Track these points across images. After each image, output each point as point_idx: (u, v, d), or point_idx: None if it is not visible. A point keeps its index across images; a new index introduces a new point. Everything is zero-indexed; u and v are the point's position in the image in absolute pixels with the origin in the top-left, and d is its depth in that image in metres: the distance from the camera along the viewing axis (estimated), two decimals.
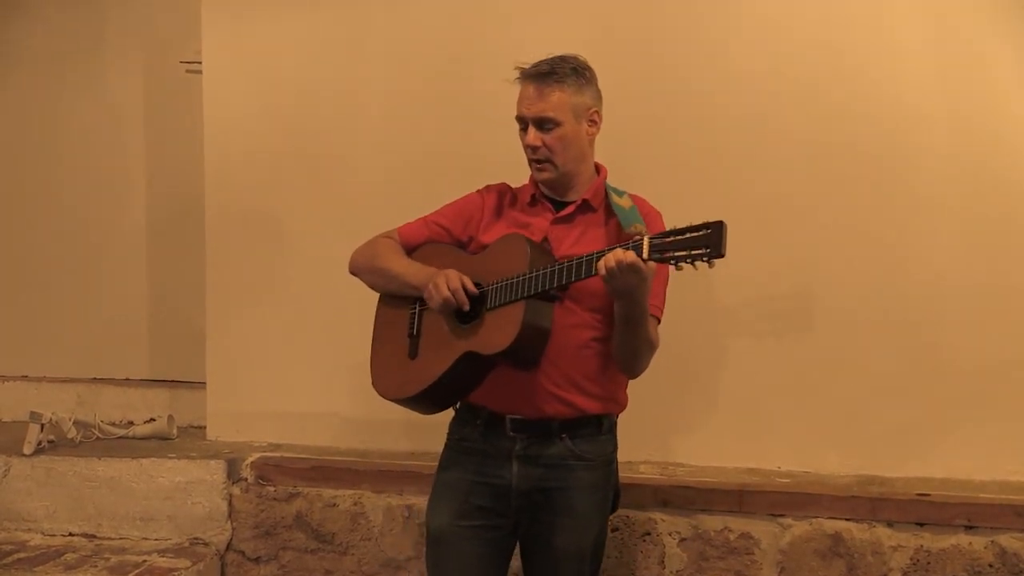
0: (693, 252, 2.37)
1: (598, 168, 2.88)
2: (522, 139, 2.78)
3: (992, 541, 3.29)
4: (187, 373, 4.61)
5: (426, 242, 2.94)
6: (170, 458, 4.04)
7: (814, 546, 3.43)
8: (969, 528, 3.31)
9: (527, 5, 3.88)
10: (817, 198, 3.66)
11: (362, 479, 3.86)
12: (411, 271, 2.86)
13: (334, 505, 3.88)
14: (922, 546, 3.35)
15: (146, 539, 3.98)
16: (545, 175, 2.79)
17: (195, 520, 3.98)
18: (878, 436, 3.63)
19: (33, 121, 5.05)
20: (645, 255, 2.43)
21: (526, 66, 2.76)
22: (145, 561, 3.78)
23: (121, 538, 3.99)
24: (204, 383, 4.33)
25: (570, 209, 2.81)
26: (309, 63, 4.15)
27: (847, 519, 3.40)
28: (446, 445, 2.93)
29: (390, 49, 4.03)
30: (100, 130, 4.94)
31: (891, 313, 3.61)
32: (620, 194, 2.81)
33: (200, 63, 4.31)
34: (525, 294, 2.61)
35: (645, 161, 3.73)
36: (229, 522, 3.96)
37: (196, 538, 3.96)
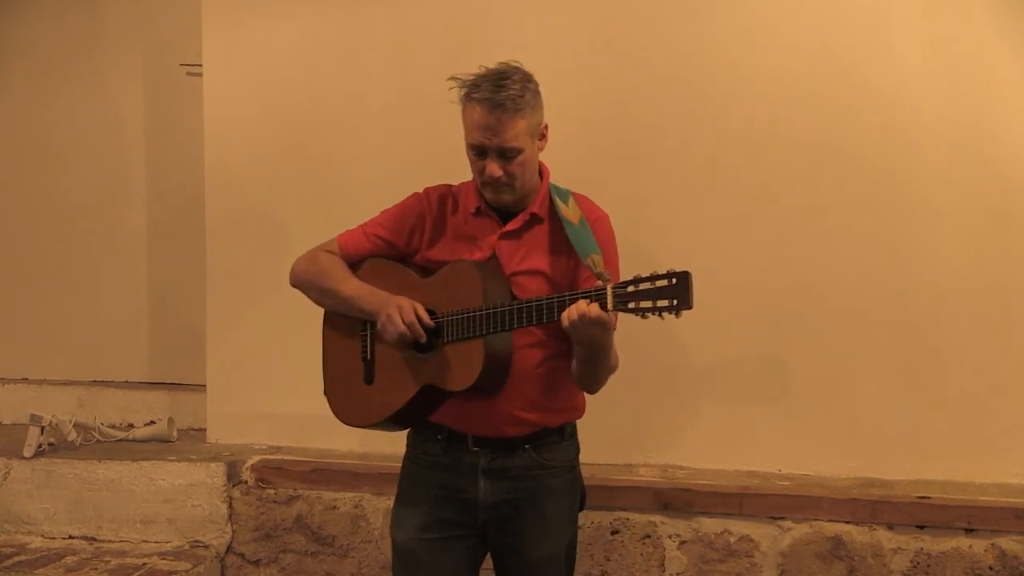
0: (658, 303, 2.30)
1: (541, 171, 2.79)
2: (475, 164, 2.67)
3: (992, 543, 3.30)
4: (187, 376, 4.62)
5: (368, 256, 2.84)
6: (170, 461, 4.04)
7: (814, 549, 3.44)
8: (969, 531, 3.32)
9: (527, 7, 3.87)
10: (817, 200, 3.66)
11: (362, 481, 3.87)
12: (362, 295, 2.76)
13: (334, 508, 3.89)
14: (922, 548, 3.35)
15: (146, 542, 3.98)
16: (505, 199, 2.70)
17: (195, 523, 3.98)
18: (878, 439, 3.63)
19: (34, 123, 5.05)
20: (609, 306, 2.37)
21: (468, 79, 2.63)
22: (145, 564, 3.78)
23: (121, 541, 4.00)
24: (204, 386, 4.33)
25: (517, 223, 2.72)
26: (310, 65, 4.14)
27: (847, 522, 3.41)
28: (407, 456, 2.87)
29: (391, 50, 4.03)
30: (100, 132, 4.94)
31: (891, 315, 3.61)
32: (564, 197, 2.74)
33: (200, 65, 4.30)
34: (483, 332, 2.56)
35: (645, 165, 3.76)
36: (229, 525, 3.97)
37: (196, 541, 3.96)
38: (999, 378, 3.52)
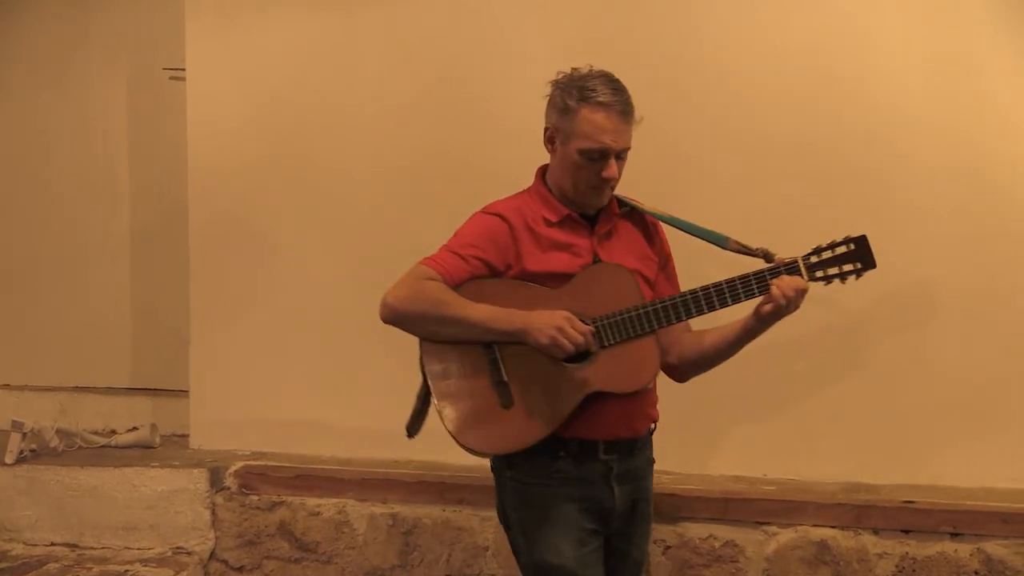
0: (844, 268, 2.56)
1: None
2: (586, 168, 2.64)
3: (978, 548, 3.29)
4: (170, 381, 4.59)
5: (469, 279, 2.69)
6: (153, 467, 4.03)
7: (799, 554, 3.43)
8: (955, 535, 3.31)
9: (521, 12, 3.88)
10: (805, 202, 3.65)
11: (346, 487, 3.87)
12: (498, 317, 2.61)
13: (317, 514, 3.88)
14: (908, 553, 3.35)
15: (128, 548, 3.97)
16: (604, 201, 2.73)
17: (178, 529, 3.97)
18: (863, 443, 3.62)
19: (16, 127, 5.03)
20: (805, 277, 2.56)
21: (574, 82, 2.65)
22: (128, 571, 3.78)
23: (103, 547, 3.99)
24: (187, 391, 4.32)
25: (607, 224, 2.76)
26: (296, 70, 4.15)
27: (832, 527, 3.40)
28: (527, 480, 2.72)
29: (380, 55, 4.03)
30: (84, 137, 4.92)
31: (878, 320, 3.59)
32: (624, 200, 2.82)
33: (184, 70, 4.30)
34: (655, 327, 2.62)
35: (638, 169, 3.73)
36: (212, 531, 3.96)
37: (179, 547, 3.95)
38: (984, 381, 3.51)
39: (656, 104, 3.63)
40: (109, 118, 4.90)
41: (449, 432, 2.66)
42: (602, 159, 2.63)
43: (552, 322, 2.56)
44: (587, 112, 2.61)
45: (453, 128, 3.95)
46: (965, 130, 3.51)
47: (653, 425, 2.82)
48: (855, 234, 2.57)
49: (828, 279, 2.58)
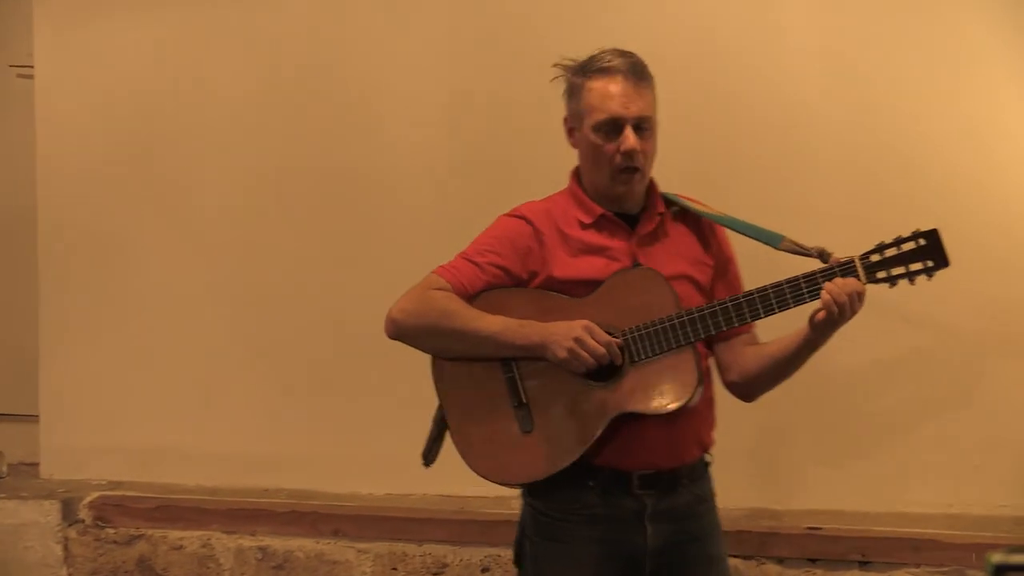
0: (911, 267, 2.28)
1: None
2: (604, 147, 2.44)
3: None
4: (17, 405, 4.39)
5: (485, 289, 2.51)
6: None
7: None
8: (864, 563, 3.25)
9: (386, 10, 3.80)
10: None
11: (211, 519, 3.78)
12: (511, 329, 2.44)
13: (180, 547, 3.79)
14: None
15: None
16: (636, 187, 2.48)
17: (26, 566, 3.86)
18: (767, 467, 3.56)
19: None
20: (862, 279, 2.30)
21: (578, 61, 2.48)
22: None
23: None
24: (36, 416, 4.19)
25: (651, 225, 2.52)
26: (151, 69, 4.05)
27: (735, 555, 3.28)
28: (549, 515, 2.53)
29: (239, 55, 3.96)
30: None
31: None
32: (675, 199, 2.58)
33: (32, 67, 4.21)
34: (692, 338, 2.37)
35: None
36: (64, 568, 3.86)
37: None
38: (891, 405, 3.46)
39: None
40: None
41: (462, 458, 2.50)
42: (616, 132, 2.43)
43: (570, 333, 2.37)
44: (591, 83, 2.45)
45: (322, 131, 3.87)
46: (865, 129, 3.44)
47: (706, 454, 2.57)
48: (924, 228, 2.29)
49: (892, 279, 2.30)
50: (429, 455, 2.57)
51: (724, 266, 2.59)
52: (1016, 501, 3.36)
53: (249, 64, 3.94)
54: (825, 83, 3.47)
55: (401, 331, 2.49)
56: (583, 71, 2.46)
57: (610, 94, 2.42)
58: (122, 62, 4.05)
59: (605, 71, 2.43)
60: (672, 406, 2.37)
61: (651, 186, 2.55)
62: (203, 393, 3.96)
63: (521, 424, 2.45)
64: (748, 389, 2.58)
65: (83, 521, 3.84)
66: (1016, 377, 3.38)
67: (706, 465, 2.57)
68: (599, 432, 2.39)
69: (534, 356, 2.42)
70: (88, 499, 3.86)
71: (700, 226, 2.58)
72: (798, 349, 2.44)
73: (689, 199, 2.58)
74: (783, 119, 3.49)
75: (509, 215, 2.57)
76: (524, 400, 2.45)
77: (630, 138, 2.40)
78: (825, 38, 3.48)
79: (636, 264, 2.47)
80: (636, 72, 2.42)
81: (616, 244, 2.49)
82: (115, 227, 4.09)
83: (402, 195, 3.71)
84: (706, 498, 2.57)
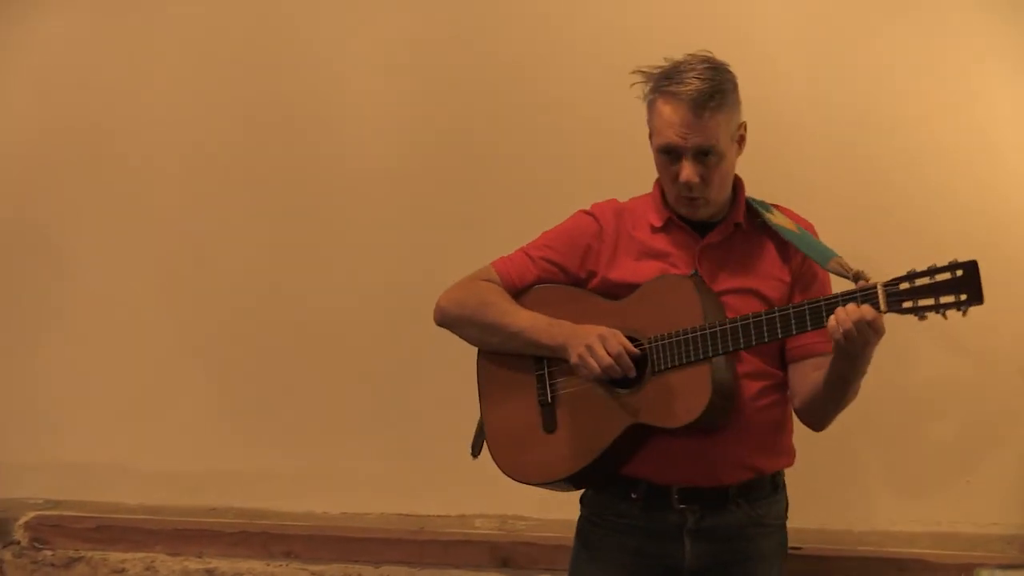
0: (942, 300, 2.14)
1: (736, 181, 2.57)
2: (667, 170, 2.45)
3: None
4: None
5: (536, 283, 2.59)
6: None
7: None
8: None
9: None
10: None
11: (155, 539, 3.71)
12: (539, 327, 2.49)
13: (122, 570, 3.73)
14: None
15: None
16: (700, 213, 2.47)
17: None
18: None
19: None
20: (882, 307, 2.18)
21: (656, 71, 2.43)
22: None
23: None
24: None
25: (719, 235, 2.50)
26: (87, 55, 3.88)
27: None
28: (588, 519, 2.61)
29: (182, 43, 3.81)
30: None
31: None
32: (767, 208, 2.55)
33: None
34: (710, 353, 2.33)
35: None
36: None
37: None
38: (870, 418, 3.25)
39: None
40: None
41: (489, 451, 2.63)
42: (676, 158, 2.42)
43: (585, 339, 2.39)
44: (658, 103, 2.43)
45: (271, 124, 3.76)
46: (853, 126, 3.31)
47: (768, 476, 2.52)
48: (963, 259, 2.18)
49: (919, 311, 2.17)
50: (476, 446, 2.66)
51: (808, 283, 2.53)
52: (1007, 519, 3.28)
53: (192, 53, 3.81)
54: (816, 84, 3.36)
55: (445, 318, 2.61)
56: (656, 87, 2.43)
57: (670, 122, 2.40)
58: (56, 48, 3.90)
59: (672, 96, 2.39)
60: (677, 422, 2.37)
61: (737, 192, 2.55)
62: (147, 405, 3.83)
63: (545, 423, 2.52)
64: (807, 417, 2.53)
65: (18, 543, 3.78)
66: (999, 389, 3.28)
67: (777, 484, 2.55)
68: (612, 440, 2.42)
69: (558, 356, 2.47)
70: (24, 519, 3.77)
71: (782, 240, 2.54)
72: (832, 377, 2.37)
73: (780, 208, 2.58)
74: (773, 117, 3.30)
75: (582, 210, 2.62)
76: (550, 399, 2.52)
77: (686, 169, 2.39)
78: (813, 32, 3.36)
79: (694, 273, 2.47)
80: (701, 102, 2.36)
81: (679, 251, 2.50)
82: (53, 227, 3.93)
83: (362, 198, 3.61)
84: (765, 522, 2.53)
